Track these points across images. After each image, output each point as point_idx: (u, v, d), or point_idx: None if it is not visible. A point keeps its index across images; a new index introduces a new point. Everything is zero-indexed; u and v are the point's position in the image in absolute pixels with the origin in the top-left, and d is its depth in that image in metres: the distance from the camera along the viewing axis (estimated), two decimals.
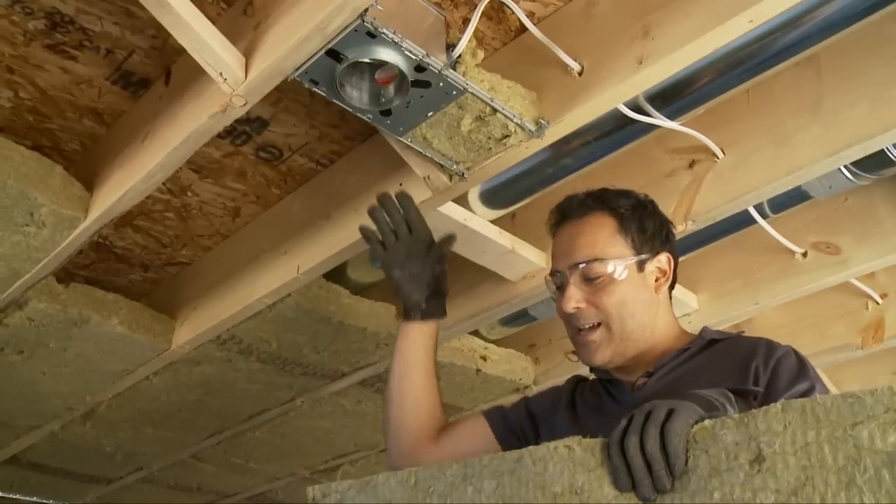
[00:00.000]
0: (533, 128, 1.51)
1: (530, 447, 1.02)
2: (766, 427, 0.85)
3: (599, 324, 1.39)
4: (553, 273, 1.47)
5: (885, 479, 0.76)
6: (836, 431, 0.80)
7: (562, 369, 2.70)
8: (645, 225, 1.47)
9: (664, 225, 1.52)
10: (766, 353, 1.30)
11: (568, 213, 1.50)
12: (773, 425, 0.85)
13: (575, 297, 1.39)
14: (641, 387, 1.37)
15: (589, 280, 1.40)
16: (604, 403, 1.45)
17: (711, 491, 0.87)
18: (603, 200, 1.49)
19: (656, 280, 1.46)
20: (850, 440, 0.79)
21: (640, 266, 1.43)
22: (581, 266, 1.40)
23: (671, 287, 1.51)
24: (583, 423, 1.43)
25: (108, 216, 1.82)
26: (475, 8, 1.46)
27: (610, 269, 1.40)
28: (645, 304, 1.42)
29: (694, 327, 2.32)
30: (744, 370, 1.28)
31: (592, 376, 1.55)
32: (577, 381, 1.60)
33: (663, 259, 1.47)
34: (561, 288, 1.43)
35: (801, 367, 1.27)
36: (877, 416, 0.78)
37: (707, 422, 0.91)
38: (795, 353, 1.32)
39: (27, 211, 1.80)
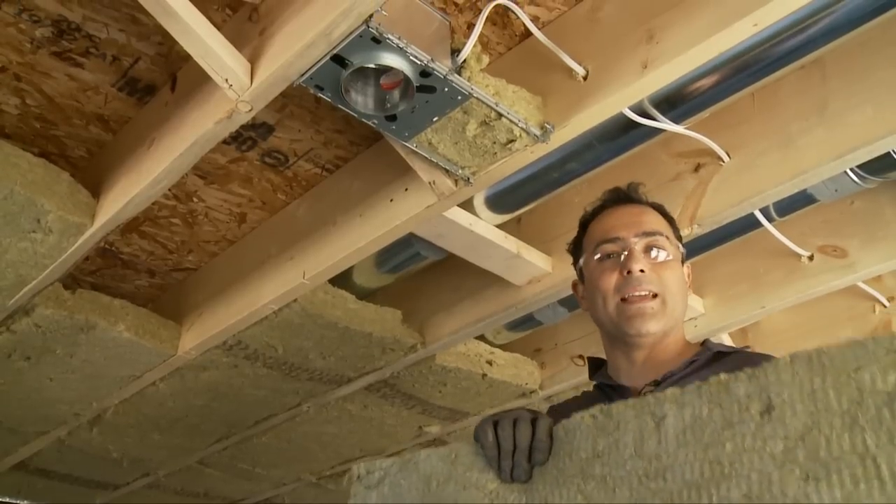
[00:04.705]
0: (538, 132, 1.51)
1: (563, 421, 1.07)
2: (775, 378, 0.88)
3: (656, 295, 1.40)
4: (610, 240, 1.45)
5: (886, 417, 0.78)
6: (840, 377, 0.83)
7: (568, 374, 2.70)
8: (679, 233, 1.52)
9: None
10: None
11: (627, 197, 1.52)
12: (783, 376, 0.88)
13: (642, 261, 1.40)
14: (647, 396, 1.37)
15: (651, 252, 1.42)
16: None
17: (724, 442, 0.89)
18: (651, 203, 1.52)
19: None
20: (853, 383, 0.82)
21: (682, 261, 1.48)
22: (650, 236, 1.43)
23: None
24: None
25: (115, 222, 1.82)
26: (480, 13, 1.46)
27: (672, 247, 1.44)
28: (684, 296, 1.46)
29: (700, 331, 2.32)
30: None
31: (576, 393, 1.54)
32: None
33: (685, 268, 1.51)
34: (616, 255, 1.43)
35: None
36: (878, 359, 0.81)
37: (722, 375, 0.93)
38: None
39: (34, 217, 1.81)
